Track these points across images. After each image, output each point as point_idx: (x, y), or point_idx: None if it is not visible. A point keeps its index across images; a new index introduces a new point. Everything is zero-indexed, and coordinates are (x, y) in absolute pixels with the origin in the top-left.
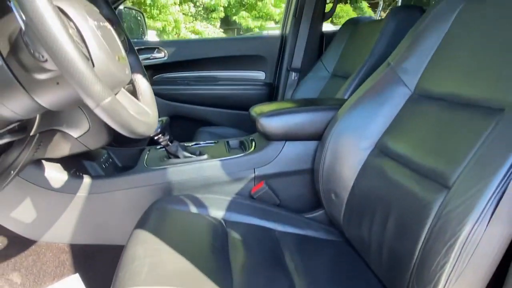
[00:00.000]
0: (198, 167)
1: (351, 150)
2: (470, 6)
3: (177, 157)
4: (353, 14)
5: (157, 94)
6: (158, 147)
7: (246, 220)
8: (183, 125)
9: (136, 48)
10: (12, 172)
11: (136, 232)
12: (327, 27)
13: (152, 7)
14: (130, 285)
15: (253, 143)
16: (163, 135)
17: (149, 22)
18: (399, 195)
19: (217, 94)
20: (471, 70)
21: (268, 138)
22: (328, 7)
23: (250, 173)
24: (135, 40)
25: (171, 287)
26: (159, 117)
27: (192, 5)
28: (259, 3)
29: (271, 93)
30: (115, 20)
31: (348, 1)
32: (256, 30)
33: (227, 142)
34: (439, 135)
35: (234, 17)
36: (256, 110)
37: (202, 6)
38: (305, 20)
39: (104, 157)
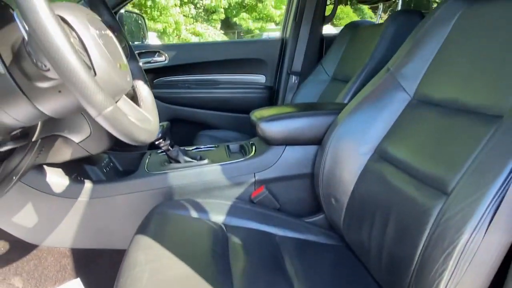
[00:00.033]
0: (199, 172)
1: (351, 155)
2: (469, 12)
3: (178, 161)
4: (354, 16)
5: (158, 97)
6: (159, 151)
7: (247, 225)
8: (183, 129)
9: (137, 52)
10: (14, 177)
11: (137, 238)
12: (327, 29)
13: (153, 9)
14: None
15: (253, 147)
16: (164, 140)
17: (150, 24)
18: (398, 200)
19: (217, 97)
20: (470, 76)
21: (268, 142)
22: (329, 9)
23: (250, 177)
24: (136, 43)
25: None
26: (159, 121)
27: (193, 6)
28: (260, 5)
29: (271, 96)
30: (116, 27)
31: (349, 3)
32: (257, 31)
33: (228, 146)
34: (438, 141)
35: (235, 19)
36: (256, 114)
37: (202, 7)
38: (305, 23)
39: (105, 161)
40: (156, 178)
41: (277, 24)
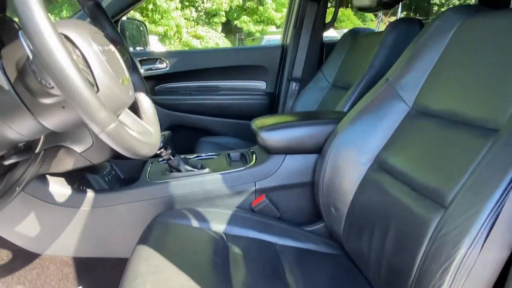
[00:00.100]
0: (200, 181)
1: (350, 164)
2: (467, 24)
3: (179, 170)
4: (354, 18)
5: (159, 104)
6: (160, 159)
7: (247, 234)
8: (185, 135)
9: (138, 59)
10: (17, 188)
11: (138, 248)
12: (328, 31)
13: (154, 12)
14: None
15: (254, 155)
16: (165, 149)
17: (151, 27)
18: (397, 211)
19: (218, 104)
20: (468, 88)
21: (269, 151)
22: (329, 11)
23: (251, 186)
24: (138, 49)
25: None
26: (161, 129)
27: (194, 9)
28: (260, 8)
29: (272, 102)
30: (118, 40)
31: (350, 6)
32: (258, 34)
33: (228, 154)
34: (436, 153)
35: (236, 22)
36: (257, 123)
37: (203, 11)
38: (306, 30)
39: (107, 170)
40: (158, 187)
41: (278, 26)
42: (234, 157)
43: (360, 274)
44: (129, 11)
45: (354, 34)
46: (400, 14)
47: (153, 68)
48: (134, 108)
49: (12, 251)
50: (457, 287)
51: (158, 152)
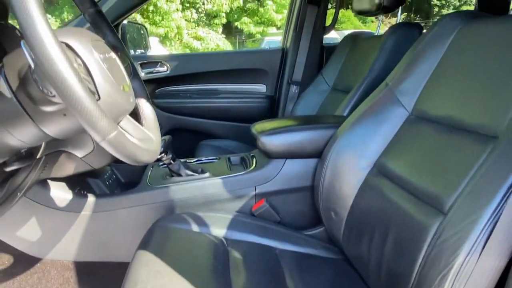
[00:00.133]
0: (200, 185)
1: (350, 169)
2: (466, 30)
3: (180, 175)
4: (355, 19)
5: (160, 107)
6: (161, 163)
7: (247, 238)
8: (185, 138)
9: (139, 62)
10: (19, 193)
11: (139, 253)
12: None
13: (155, 14)
14: None
15: (254, 159)
16: (166, 154)
17: (152, 28)
18: (397, 216)
19: (218, 107)
20: (466, 95)
21: (269, 156)
22: (330, 13)
23: (251, 190)
24: (138, 53)
25: None
26: (162, 130)
27: (195, 11)
28: (261, 9)
29: (272, 106)
30: (119, 46)
31: (350, 7)
32: (258, 35)
33: (229, 158)
34: (436, 158)
35: (236, 23)
36: (257, 127)
37: (204, 12)
38: (306, 33)
39: (108, 174)
40: (158, 191)
41: (278, 28)
42: (234, 161)
43: (360, 279)
44: (130, 14)
45: (354, 37)
46: (401, 15)
47: (153, 72)
48: (135, 114)
49: (13, 255)
50: None
51: (159, 156)
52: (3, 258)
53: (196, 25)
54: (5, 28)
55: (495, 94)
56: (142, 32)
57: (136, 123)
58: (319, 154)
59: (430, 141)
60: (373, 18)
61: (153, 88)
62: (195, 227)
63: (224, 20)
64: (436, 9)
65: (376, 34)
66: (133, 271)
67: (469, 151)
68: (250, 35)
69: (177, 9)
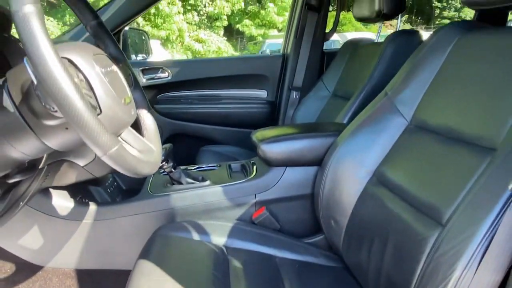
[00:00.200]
0: (201, 193)
1: (350, 177)
2: (464, 41)
3: (180, 183)
4: (356, 22)
5: (161, 113)
6: (162, 171)
7: (247, 247)
8: (186, 143)
9: (141, 68)
10: (21, 203)
11: (139, 263)
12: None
13: (156, 16)
14: None
15: (254, 167)
16: (167, 162)
17: (153, 31)
18: (396, 226)
19: (219, 112)
20: (464, 106)
21: (269, 164)
22: (331, 15)
23: (251, 198)
24: (139, 59)
25: None
26: (163, 135)
27: (196, 14)
28: (262, 12)
29: (273, 111)
30: (121, 58)
31: (351, 10)
32: (259, 38)
33: (229, 165)
34: (434, 169)
35: (238, 26)
36: (257, 135)
37: (205, 15)
38: (306, 40)
39: (109, 182)
40: (159, 200)
41: (279, 30)
42: (235, 168)
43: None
44: (132, 21)
45: (354, 44)
46: (402, 17)
47: (155, 78)
48: (136, 124)
49: (15, 263)
50: None
51: (160, 165)
52: (5, 266)
53: (197, 27)
54: (9, 41)
55: (493, 106)
56: (143, 37)
57: (137, 134)
58: (319, 162)
59: (429, 151)
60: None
61: (155, 94)
62: (195, 236)
63: (225, 23)
64: (438, 11)
65: (377, 36)
66: (134, 281)
67: (467, 163)
68: (252, 38)
69: (178, 12)
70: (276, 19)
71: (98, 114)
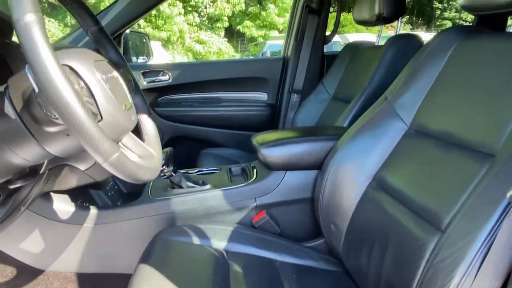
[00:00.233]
0: (201, 197)
1: (350, 181)
2: (464, 46)
3: (181, 187)
4: None
5: (162, 115)
6: (162, 175)
7: (247, 251)
8: (187, 146)
9: (141, 71)
10: (22, 207)
11: (140, 267)
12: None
13: (157, 18)
14: None
15: (255, 170)
16: (167, 166)
17: (154, 32)
18: (396, 231)
19: (220, 115)
20: (464, 111)
21: (269, 168)
22: (332, 16)
23: (251, 202)
24: (140, 61)
25: None
26: (164, 138)
27: (197, 15)
28: (263, 13)
29: (273, 114)
30: (122, 63)
31: (352, 11)
32: (260, 39)
33: (229, 169)
34: (434, 174)
35: (238, 27)
36: (257, 139)
37: (206, 16)
38: (307, 43)
39: (110, 185)
40: (159, 204)
41: (280, 31)
42: (235, 172)
43: None
44: (132, 25)
45: (354, 47)
46: (402, 18)
47: (156, 80)
48: (137, 129)
49: (16, 267)
50: None
51: (160, 169)
52: (6, 270)
53: (198, 28)
54: (10, 47)
55: (492, 111)
56: (144, 40)
57: (138, 139)
58: (319, 166)
59: (429, 156)
60: None
61: (155, 96)
62: (196, 240)
63: (226, 24)
64: (438, 12)
65: (377, 38)
66: (135, 285)
67: (467, 169)
68: (252, 39)
69: (179, 13)
70: (277, 20)
71: (99, 121)
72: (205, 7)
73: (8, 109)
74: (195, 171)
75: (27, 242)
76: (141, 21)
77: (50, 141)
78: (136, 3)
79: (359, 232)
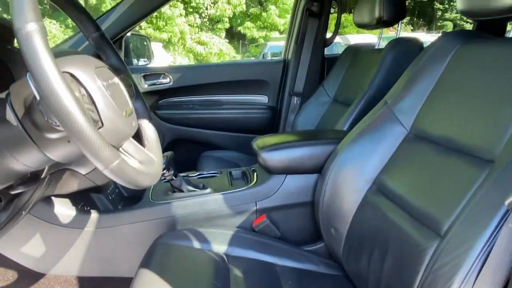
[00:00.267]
0: (202, 201)
1: (350, 185)
2: (463, 51)
3: (181, 190)
4: None
5: (163, 118)
6: (163, 178)
7: (248, 255)
8: (187, 148)
9: (142, 74)
10: (23, 212)
11: (140, 272)
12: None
13: (158, 19)
14: None
15: (255, 174)
16: (168, 170)
17: (155, 33)
18: (395, 236)
19: (221, 117)
20: (462, 116)
21: (270, 171)
22: (333, 17)
23: (252, 206)
24: (141, 64)
25: None
26: (164, 140)
27: (198, 16)
28: (264, 14)
29: (274, 116)
30: (122, 68)
31: (353, 11)
32: (261, 40)
33: (230, 172)
34: (433, 179)
35: (239, 28)
36: (258, 143)
37: (207, 17)
38: (307, 46)
39: (111, 189)
40: (160, 207)
41: (281, 32)
42: (235, 175)
43: None
44: (134, 27)
45: (355, 50)
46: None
47: (156, 83)
48: (137, 134)
49: (17, 271)
50: None
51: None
52: (7, 273)
53: (199, 30)
54: (12, 52)
55: (491, 117)
56: (145, 43)
57: (138, 145)
58: (319, 169)
59: (428, 161)
60: None
61: (156, 99)
62: (196, 244)
63: (227, 25)
64: (439, 12)
65: (378, 42)
66: None
67: (466, 175)
68: (253, 40)
69: (180, 14)
70: (278, 21)
71: (100, 128)
72: (206, 8)
73: (9, 115)
74: (196, 174)
75: (28, 246)
76: (142, 23)
77: (51, 148)
78: (137, 6)
79: (359, 236)
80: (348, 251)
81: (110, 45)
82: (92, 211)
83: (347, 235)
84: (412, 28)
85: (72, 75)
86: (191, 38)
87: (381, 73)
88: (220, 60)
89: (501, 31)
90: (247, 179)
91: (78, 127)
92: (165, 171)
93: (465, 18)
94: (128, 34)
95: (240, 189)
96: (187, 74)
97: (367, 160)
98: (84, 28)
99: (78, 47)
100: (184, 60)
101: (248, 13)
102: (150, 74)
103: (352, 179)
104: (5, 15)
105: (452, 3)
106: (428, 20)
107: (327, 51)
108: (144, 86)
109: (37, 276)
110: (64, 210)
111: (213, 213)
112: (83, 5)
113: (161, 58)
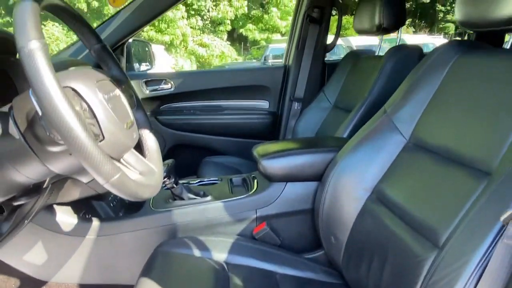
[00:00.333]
0: (202, 209)
1: (350, 194)
2: (462, 61)
3: (182, 198)
4: None
5: (164, 123)
6: (164, 186)
7: (248, 263)
8: (189, 154)
9: (144, 80)
10: (26, 221)
11: (141, 280)
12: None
13: (160, 21)
14: None
15: (255, 181)
16: (169, 178)
17: (157, 36)
18: (394, 245)
19: (222, 123)
20: (461, 126)
21: (270, 179)
22: (334, 19)
23: (252, 214)
24: (143, 70)
25: None
26: (166, 146)
27: (200, 18)
28: (266, 16)
29: (274, 122)
30: (124, 80)
31: (354, 13)
32: (263, 42)
33: (230, 179)
34: (432, 189)
35: (241, 30)
36: (258, 150)
37: (209, 19)
38: (308, 51)
39: (112, 196)
40: (161, 215)
41: (283, 34)
42: (236, 182)
43: None
44: (136, 34)
45: (355, 56)
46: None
47: (158, 89)
48: (138, 145)
49: (20, 279)
50: None
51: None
52: (10, 281)
53: (201, 32)
54: (15, 64)
55: (489, 128)
56: (147, 49)
57: (139, 155)
58: (319, 177)
59: (427, 171)
60: None
61: (158, 105)
62: (196, 252)
63: (229, 27)
64: (441, 14)
65: (378, 48)
66: None
67: (464, 186)
68: (255, 42)
69: (182, 17)
70: (279, 24)
71: (101, 141)
72: (208, 11)
73: (12, 129)
74: (196, 181)
75: (30, 254)
76: None
77: (53, 160)
78: (139, 13)
79: (359, 244)
80: (348, 259)
81: (112, 57)
82: (93, 219)
83: (347, 243)
84: (414, 30)
85: (73, 90)
86: (193, 40)
87: (381, 80)
88: (222, 62)
89: (499, 42)
90: (247, 187)
91: (79, 142)
92: (165, 179)
93: None
94: (130, 40)
95: (240, 196)
96: (188, 79)
97: (367, 169)
98: (86, 40)
99: (79, 55)
100: (186, 62)
101: (250, 15)
102: (152, 80)
103: (352, 187)
104: (10, 29)
105: (454, 6)
106: (429, 22)
107: (329, 53)
108: (145, 92)
109: (39, 283)
110: (65, 218)
111: (214, 221)
112: (86, 8)
113: (163, 60)
